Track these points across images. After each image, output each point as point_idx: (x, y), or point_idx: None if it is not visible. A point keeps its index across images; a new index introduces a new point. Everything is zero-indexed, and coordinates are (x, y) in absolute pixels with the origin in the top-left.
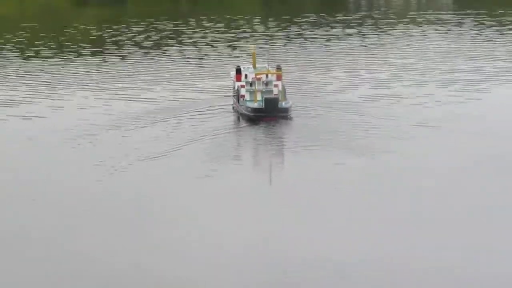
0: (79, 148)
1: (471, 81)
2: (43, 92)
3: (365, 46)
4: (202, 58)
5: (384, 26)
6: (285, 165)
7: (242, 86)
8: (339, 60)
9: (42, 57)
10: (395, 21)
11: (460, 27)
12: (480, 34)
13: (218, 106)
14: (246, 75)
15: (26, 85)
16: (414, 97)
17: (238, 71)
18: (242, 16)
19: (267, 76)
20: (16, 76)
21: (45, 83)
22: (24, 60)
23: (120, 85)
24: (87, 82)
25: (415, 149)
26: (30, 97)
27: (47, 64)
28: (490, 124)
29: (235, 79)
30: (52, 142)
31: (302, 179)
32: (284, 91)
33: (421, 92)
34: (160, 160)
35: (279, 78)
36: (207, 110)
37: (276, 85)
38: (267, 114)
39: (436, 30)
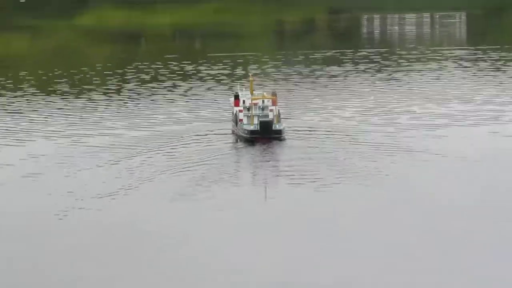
0: (83, 169)
1: (473, 114)
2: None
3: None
4: (206, 88)
5: (393, 62)
6: (279, 185)
7: (240, 111)
8: (336, 91)
9: (60, 96)
10: (406, 56)
11: (474, 63)
12: (498, 70)
13: (218, 129)
14: (244, 101)
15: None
16: (406, 126)
17: (237, 97)
18: (252, 53)
19: (263, 101)
20: None
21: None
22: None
23: (125, 111)
24: (96, 109)
25: (404, 174)
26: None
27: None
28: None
29: (233, 105)
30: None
31: (297, 199)
32: (279, 114)
33: (419, 122)
34: (167, 179)
35: (274, 103)
36: (209, 133)
37: (271, 110)
38: (262, 136)
39: (448, 65)
